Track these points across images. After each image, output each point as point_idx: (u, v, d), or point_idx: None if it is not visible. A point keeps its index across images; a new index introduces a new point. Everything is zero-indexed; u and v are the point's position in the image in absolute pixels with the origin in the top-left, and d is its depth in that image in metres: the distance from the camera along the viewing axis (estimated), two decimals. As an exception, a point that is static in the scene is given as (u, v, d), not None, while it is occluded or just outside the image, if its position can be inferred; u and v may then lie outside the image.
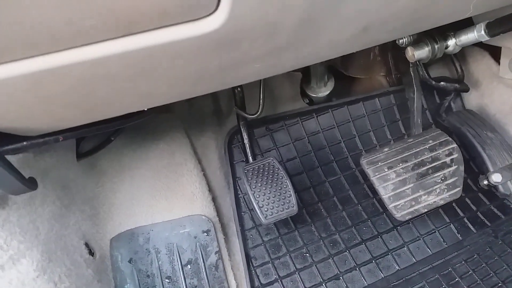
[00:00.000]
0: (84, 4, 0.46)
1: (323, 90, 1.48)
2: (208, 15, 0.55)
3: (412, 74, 1.35)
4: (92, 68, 0.54)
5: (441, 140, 1.23)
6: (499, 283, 1.19)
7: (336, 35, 0.74)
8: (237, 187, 1.37)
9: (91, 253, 1.05)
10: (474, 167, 1.43)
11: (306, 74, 1.48)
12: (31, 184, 0.72)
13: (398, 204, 1.15)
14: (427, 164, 1.19)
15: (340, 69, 1.53)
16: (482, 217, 1.34)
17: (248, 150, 1.34)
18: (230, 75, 0.74)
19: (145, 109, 0.75)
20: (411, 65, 1.34)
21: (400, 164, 1.19)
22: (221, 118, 1.49)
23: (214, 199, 1.30)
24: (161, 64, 0.60)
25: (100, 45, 0.51)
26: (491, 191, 1.37)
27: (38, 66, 0.51)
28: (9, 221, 0.82)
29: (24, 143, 0.72)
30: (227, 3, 0.53)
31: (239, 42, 0.62)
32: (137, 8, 0.49)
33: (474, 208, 1.36)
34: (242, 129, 1.34)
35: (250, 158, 1.34)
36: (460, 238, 1.31)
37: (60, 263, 0.90)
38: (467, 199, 1.37)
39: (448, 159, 1.20)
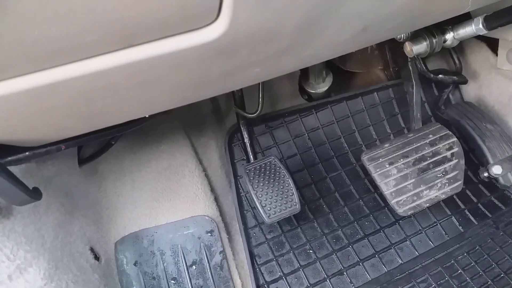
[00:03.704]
0: (84, 19, 0.46)
1: (321, 86, 1.47)
2: (208, 25, 0.54)
3: (410, 68, 1.35)
4: (94, 81, 0.54)
5: (441, 134, 1.23)
6: (501, 274, 1.20)
7: (335, 36, 0.74)
8: (239, 185, 1.37)
9: (97, 258, 1.05)
10: (474, 158, 1.44)
11: (304, 71, 1.47)
12: (35, 194, 0.72)
13: (400, 200, 1.16)
14: (428, 158, 1.20)
15: (338, 64, 1.52)
16: (483, 209, 1.35)
17: (248, 149, 1.35)
18: (230, 80, 0.74)
19: (147, 116, 0.75)
20: (409, 59, 1.34)
21: (401, 160, 1.19)
22: (220, 117, 1.49)
23: (216, 199, 1.30)
24: (162, 73, 0.60)
25: (101, 58, 0.51)
26: (492, 182, 1.38)
27: (40, 81, 0.51)
28: (14, 231, 0.82)
29: (27, 153, 0.72)
30: (228, 12, 0.53)
31: (239, 48, 0.61)
32: (137, 20, 0.49)
33: (475, 200, 1.37)
34: (242, 128, 1.34)
35: (251, 157, 1.34)
36: (462, 230, 1.32)
37: (67, 270, 0.90)
38: (467, 191, 1.38)
39: (448, 153, 1.21)
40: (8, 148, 0.68)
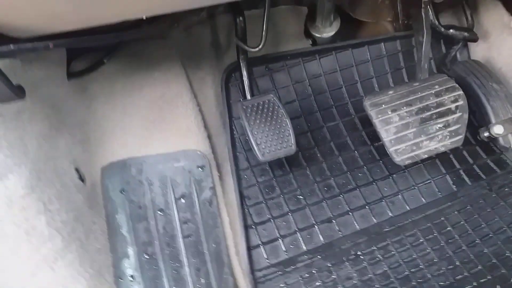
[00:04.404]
0: None
1: (328, 30, 1.41)
2: None
3: (423, 15, 1.29)
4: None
5: (447, 86, 1.19)
6: (490, 233, 1.20)
7: None
8: (233, 126, 1.33)
9: (82, 179, 1.01)
10: (474, 120, 1.41)
11: (311, 13, 1.41)
12: (19, 91, 0.66)
13: (399, 148, 1.13)
14: (432, 109, 1.16)
15: (347, 10, 1.46)
16: (478, 170, 1.34)
17: (246, 88, 1.29)
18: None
19: (144, 18, 0.68)
20: (423, 5, 1.28)
21: (404, 108, 1.16)
22: (220, 52, 1.42)
23: (209, 137, 1.26)
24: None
25: None
26: (489, 145, 1.36)
27: None
28: None
29: (11, 46, 0.66)
30: None
31: None
32: None
33: (470, 160, 1.35)
34: (241, 64, 1.27)
35: (248, 96, 1.29)
36: (455, 189, 1.30)
37: (50, 184, 0.86)
38: (464, 152, 1.36)
39: (453, 106, 1.17)
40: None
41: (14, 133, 0.81)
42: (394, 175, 1.32)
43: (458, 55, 1.48)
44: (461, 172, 1.33)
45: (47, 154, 0.89)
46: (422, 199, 1.29)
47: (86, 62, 1.10)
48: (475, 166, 1.34)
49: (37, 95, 0.90)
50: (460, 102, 1.18)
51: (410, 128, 1.14)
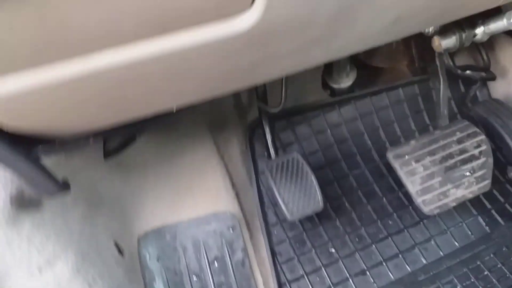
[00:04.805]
0: (118, 4, 0.45)
1: (345, 81, 1.45)
2: (242, 12, 0.53)
3: (438, 63, 1.32)
4: (127, 70, 0.53)
5: (469, 132, 1.20)
6: None
7: (367, 27, 0.72)
8: (260, 182, 1.35)
9: (121, 252, 1.05)
10: (501, 157, 1.40)
11: (327, 65, 1.45)
12: (64, 186, 0.72)
13: (426, 199, 1.13)
14: (455, 156, 1.17)
15: (363, 59, 1.50)
16: (510, 209, 1.31)
17: (270, 145, 1.33)
18: (259, 72, 0.72)
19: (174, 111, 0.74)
20: (437, 54, 1.31)
21: (428, 157, 1.17)
22: (242, 112, 1.47)
23: (237, 195, 1.29)
24: (193, 63, 0.59)
25: (137, 46, 0.51)
26: (520, 182, 1.34)
27: (75, 70, 0.50)
28: (44, 224, 0.83)
29: (57, 146, 0.71)
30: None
31: (272, 38, 0.60)
32: (172, 4, 0.48)
33: (502, 199, 1.33)
34: (263, 123, 1.32)
35: (272, 152, 1.32)
36: (488, 230, 1.29)
37: (93, 263, 0.91)
38: (494, 191, 1.34)
39: (476, 151, 1.18)
40: (39, 140, 0.68)
41: (60, 220, 0.87)
42: (425, 220, 1.31)
43: (478, 94, 1.49)
44: (493, 212, 1.32)
45: (88, 233, 0.94)
46: (456, 243, 1.27)
47: (120, 140, 1.17)
48: (506, 205, 1.33)
49: (78, 180, 0.96)
50: (483, 147, 1.18)
51: (435, 178, 1.14)
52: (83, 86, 0.52)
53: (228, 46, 0.57)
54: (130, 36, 0.49)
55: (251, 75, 0.74)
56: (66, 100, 0.55)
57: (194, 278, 1.12)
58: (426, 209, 1.13)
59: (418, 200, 1.13)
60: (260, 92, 1.27)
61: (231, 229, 1.19)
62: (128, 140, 1.15)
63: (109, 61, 0.50)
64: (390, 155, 1.18)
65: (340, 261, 1.24)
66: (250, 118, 1.44)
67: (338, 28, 0.66)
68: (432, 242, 1.27)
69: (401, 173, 1.15)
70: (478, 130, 1.20)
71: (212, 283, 1.12)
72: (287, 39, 0.63)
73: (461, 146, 1.18)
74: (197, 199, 1.20)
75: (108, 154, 1.14)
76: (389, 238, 1.28)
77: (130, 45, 0.50)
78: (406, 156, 1.17)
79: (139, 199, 1.18)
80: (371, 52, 1.50)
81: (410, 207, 1.33)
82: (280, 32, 0.59)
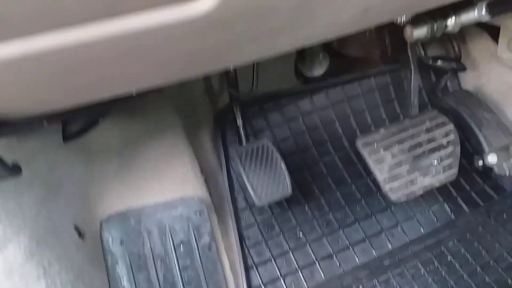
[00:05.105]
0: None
1: (318, 69, 1.44)
2: None
3: (409, 53, 1.32)
4: (76, 53, 0.50)
5: (438, 122, 1.21)
6: (491, 261, 1.20)
7: (334, 17, 0.70)
8: (230, 168, 1.35)
9: (81, 236, 1.03)
10: (469, 147, 1.42)
11: (300, 53, 1.44)
12: (13, 170, 0.69)
13: (394, 186, 1.14)
14: (424, 145, 1.18)
15: (335, 48, 1.49)
16: (475, 197, 1.34)
17: (241, 131, 1.32)
18: (223, 57, 0.70)
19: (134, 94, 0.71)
20: (408, 44, 1.31)
21: (396, 146, 1.18)
22: (213, 98, 1.45)
23: (206, 180, 1.28)
24: (148, 47, 0.56)
25: (84, 29, 0.48)
26: (485, 171, 1.37)
27: (17, 51, 0.47)
28: None
29: (7, 128, 0.68)
30: None
31: (232, 25, 0.58)
32: None
33: (467, 188, 1.36)
34: (234, 109, 1.31)
35: (243, 139, 1.31)
36: (453, 217, 1.31)
37: (49, 247, 0.88)
38: (461, 179, 1.37)
39: (444, 141, 1.19)
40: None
41: (13, 202, 0.84)
42: (392, 207, 1.33)
43: (448, 84, 1.50)
44: (459, 199, 1.34)
45: (46, 217, 0.91)
46: (421, 229, 1.29)
47: (80, 123, 1.13)
48: (472, 193, 1.35)
49: (35, 163, 0.93)
50: (451, 137, 1.19)
51: (403, 166, 1.16)
52: (25, 68, 0.49)
53: (185, 31, 0.55)
54: (75, 17, 0.46)
55: (215, 60, 0.72)
56: (10, 83, 0.52)
57: (159, 262, 1.11)
58: (393, 197, 1.14)
59: (386, 187, 1.14)
60: (230, 78, 1.25)
61: (198, 213, 1.17)
62: (90, 123, 1.11)
63: (51, 43, 0.47)
64: (359, 143, 1.19)
65: (308, 245, 1.25)
66: (221, 104, 1.42)
67: (302, 17, 0.64)
68: (399, 228, 1.29)
69: (370, 160, 1.16)
70: (447, 119, 1.22)
71: (177, 267, 1.11)
72: (249, 26, 0.60)
73: (429, 135, 1.19)
74: (164, 184, 1.18)
75: (68, 137, 1.11)
76: (357, 223, 1.30)
77: (76, 27, 0.47)
78: (375, 144, 1.18)
79: (103, 183, 1.15)
80: (344, 41, 1.50)
81: (378, 193, 1.34)
82: (240, 18, 0.57)
